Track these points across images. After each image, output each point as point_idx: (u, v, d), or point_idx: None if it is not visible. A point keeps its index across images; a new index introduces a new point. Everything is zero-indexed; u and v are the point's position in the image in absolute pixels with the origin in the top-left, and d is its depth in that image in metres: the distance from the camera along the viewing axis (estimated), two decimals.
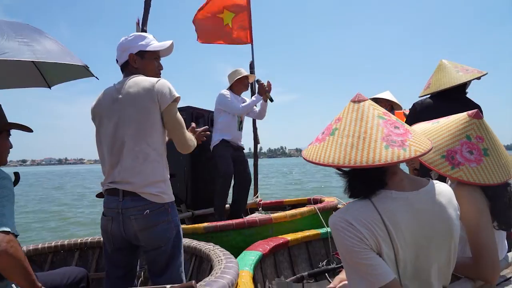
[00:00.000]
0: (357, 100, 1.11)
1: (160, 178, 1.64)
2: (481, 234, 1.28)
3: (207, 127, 2.15)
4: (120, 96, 1.66)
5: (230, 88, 3.96)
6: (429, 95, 2.43)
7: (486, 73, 2.28)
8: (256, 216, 3.08)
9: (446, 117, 1.46)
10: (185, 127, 1.72)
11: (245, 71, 4.02)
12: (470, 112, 1.37)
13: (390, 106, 3.67)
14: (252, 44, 4.87)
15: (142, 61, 1.77)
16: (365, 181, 1.05)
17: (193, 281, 1.26)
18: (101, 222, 1.73)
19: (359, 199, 1.07)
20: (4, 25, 1.86)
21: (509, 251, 1.62)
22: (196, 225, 2.93)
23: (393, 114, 3.79)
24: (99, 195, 1.83)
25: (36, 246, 2.43)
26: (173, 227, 1.69)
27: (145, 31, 4.09)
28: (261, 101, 3.99)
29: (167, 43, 1.84)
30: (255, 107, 4.08)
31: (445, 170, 1.30)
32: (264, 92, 3.90)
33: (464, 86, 2.36)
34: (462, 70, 2.32)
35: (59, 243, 2.50)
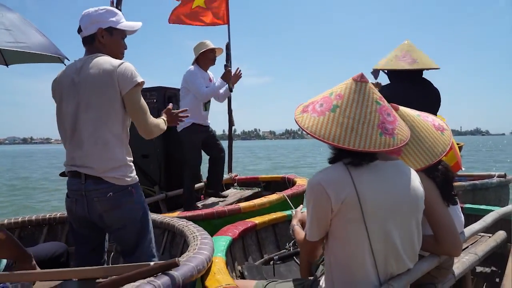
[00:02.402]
0: (359, 80, 1.18)
1: (121, 163, 1.64)
2: (437, 210, 1.38)
3: (187, 109, 2.12)
4: (80, 77, 1.62)
5: (197, 63, 3.79)
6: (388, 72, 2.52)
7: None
8: (225, 206, 3.11)
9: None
10: (147, 112, 1.68)
11: (211, 44, 3.80)
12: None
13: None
14: (228, 25, 4.82)
15: (110, 38, 1.72)
16: (354, 156, 1.15)
17: (177, 259, 1.29)
18: (66, 203, 1.72)
19: (336, 164, 1.19)
20: None
21: (468, 226, 1.76)
22: (166, 214, 2.88)
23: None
24: (62, 174, 1.83)
25: (1, 222, 2.38)
26: (140, 208, 1.70)
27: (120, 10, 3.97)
28: (227, 86, 3.91)
29: (138, 24, 1.80)
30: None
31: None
32: (228, 79, 3.83)
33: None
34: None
35: (26, 219, 2.46)
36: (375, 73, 2.61)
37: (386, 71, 2.54)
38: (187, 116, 2.09)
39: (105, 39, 1.71)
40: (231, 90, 3.95)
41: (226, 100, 4.77)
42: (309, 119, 1.17)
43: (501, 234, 2.10)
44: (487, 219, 2.01)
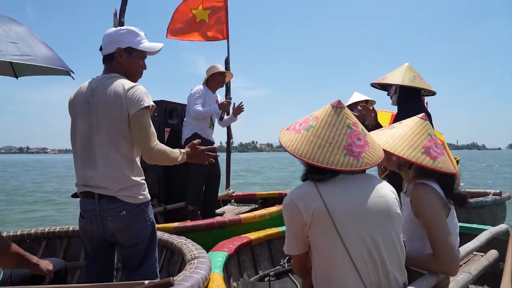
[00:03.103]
0: (335, 106, 1.32)
1: (133, 183, 1.65)
2: (439, 230, 1.42)
3: (216, 147, 2.06)
4: (94, 99, 1.65)
5: (207, 84, 3.96)
6: (394, 87, 2.64)
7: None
8: (226, 216, 3.12)
9: (399, 122, 1.64)
10: (152, 137, 1.62)
11: (222, 67, 4.03)
12: (420, 115, 1.59)
13: (365, 101, 4.00)
14: (228, 40, 4.91)
15: (128, 58, 1.73)
16: (318, 172, 1.27)
17: (172, 278, 1.30)
18: (80, 224, 1.75)
19: (306, 181, 1.30)
20: None
21: (461, 244, 1.79)
22: (166, 225, 2.94)
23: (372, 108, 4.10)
24: (74, 195, 1.83)
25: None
26: (150, 225, 1.73)
27: (123, 23, 4.06)
28: (231, 115, 4.20)
29: (159, 45, 1.80)
30: (226, 115, 4.25)
31: (429, 163, 1.45)
32: (223, 108, 4.01)
33: None
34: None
35: (25, 232, 2.46)
36: (390, 88, 2.69)
37: (396, 86, 2.61)
38: (217, 155, 2.02)
39: (123, 59, 1.72)
40: (221, 119, 4.20)
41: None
42: (288, 135, 1.34)
43: (493, 253, 2.13)
44: (481, 238, 2.04)
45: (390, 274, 1.22)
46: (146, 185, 1.74)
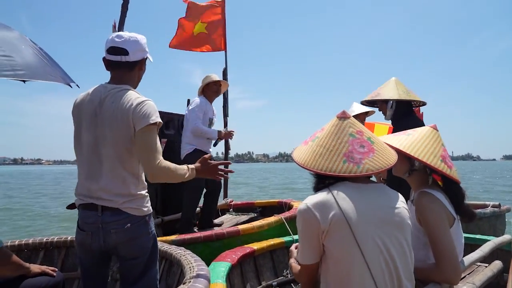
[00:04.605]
0: (340, 117, 1.37)
1: (137, 196, 1.63)
2: (441, 239, 1.42)
3: (230, 162, 2.05)
4: (102, 110, 1.60)
5: (203, 94, 3.92)
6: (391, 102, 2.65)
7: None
8: (224, 228, 3.09)
9: (413, 129, 1.65)
10: (156, 154, 1.55)
11: (217, 77, 3.99)
12: (432, 125, 1.63)
13: (365, 113, 4.04)
14: (225, 52, 4.95)
15: (143, 68, 1.76)
16: (326, 181, 1.32)
17: None
18: (77, 236, 1.68)
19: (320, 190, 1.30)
20: None
21: (465, 254, 1.78)
22: (164, 238, 2.91)
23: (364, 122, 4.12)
24: (71, 206, 1.79)
25: None
26: (152, 238, 1.70)
27: None
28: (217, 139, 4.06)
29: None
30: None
31: (447, 171, 1.50)
32: (221, 137, 3.96)
33: None
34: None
35: (23, 242, 2.43)
36: (384, 102, 2.71)
37: (393, 102, 2.63)
38: (231, 171, 2.00)
39: (142, 68, 1.74)
40: (215, 145, 4.08)
41: (223, 125, 4.87)
42: (299, 148, 1.41)
43: (497, 264, 2.12)
44: (485, 248, 2.03)
45: (403, 284, 1.23)
46: (149, 197, 1.71)
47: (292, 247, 1.71)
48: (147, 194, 1.70)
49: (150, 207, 1.70)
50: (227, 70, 4.92)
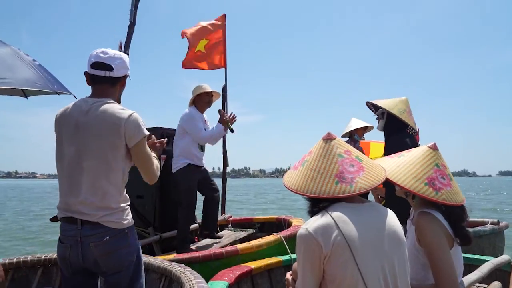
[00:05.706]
0: (326, 138, 1.39)
1: (118, 210, 1.63)
2: (441, 260, 1.42)
3: (166, 140, 2.05)
4: (85, 122, 1.61)
5: (194, 104, 3.85)
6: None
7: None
8: (222, 248, 3.08)
9: (408, 150, 1.67)
10: (152, 160, 1.73)
11: (209, 87, 3.86)
12: (430, 144, 1.61)
13: (364, 128, 4.04)
14: (225, 69, 5.02)
15: (123, 85, 1.80)
16: (320, 204, 1.31)
17: None
18: (58, 249, 1.67)
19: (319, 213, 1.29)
20: None
21: (463, 275, 1.79)
22: (162, 257, 2.87)
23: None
24: (54, 219, 1.79)
25: None
26: (134, 251, 1.68)
27: (127, 55, 4.13)
28: (220, 128, 3.83)
29: None
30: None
31: (431, 195, 1.47)
32: (224, 122, 3.81)
33: None
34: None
35: (21, 259, 2.41)
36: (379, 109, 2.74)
37: (385, 112, 2.68)
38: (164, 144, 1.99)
39: (124, 85, 1.79)
40: (232, 131, 3.88)
41: (221, 141, 4.83)
42: (289, 174, 1.42)
43: (496, 285, 2.12)
44: (483, 269, 2.04)
45: None
46: (129, 210, 1.71)
47: (288, 275, 1.64)
48: (127, 207, 1.70)
49: (131, 220, 1.70)
50: (226, 87, 4.97)
